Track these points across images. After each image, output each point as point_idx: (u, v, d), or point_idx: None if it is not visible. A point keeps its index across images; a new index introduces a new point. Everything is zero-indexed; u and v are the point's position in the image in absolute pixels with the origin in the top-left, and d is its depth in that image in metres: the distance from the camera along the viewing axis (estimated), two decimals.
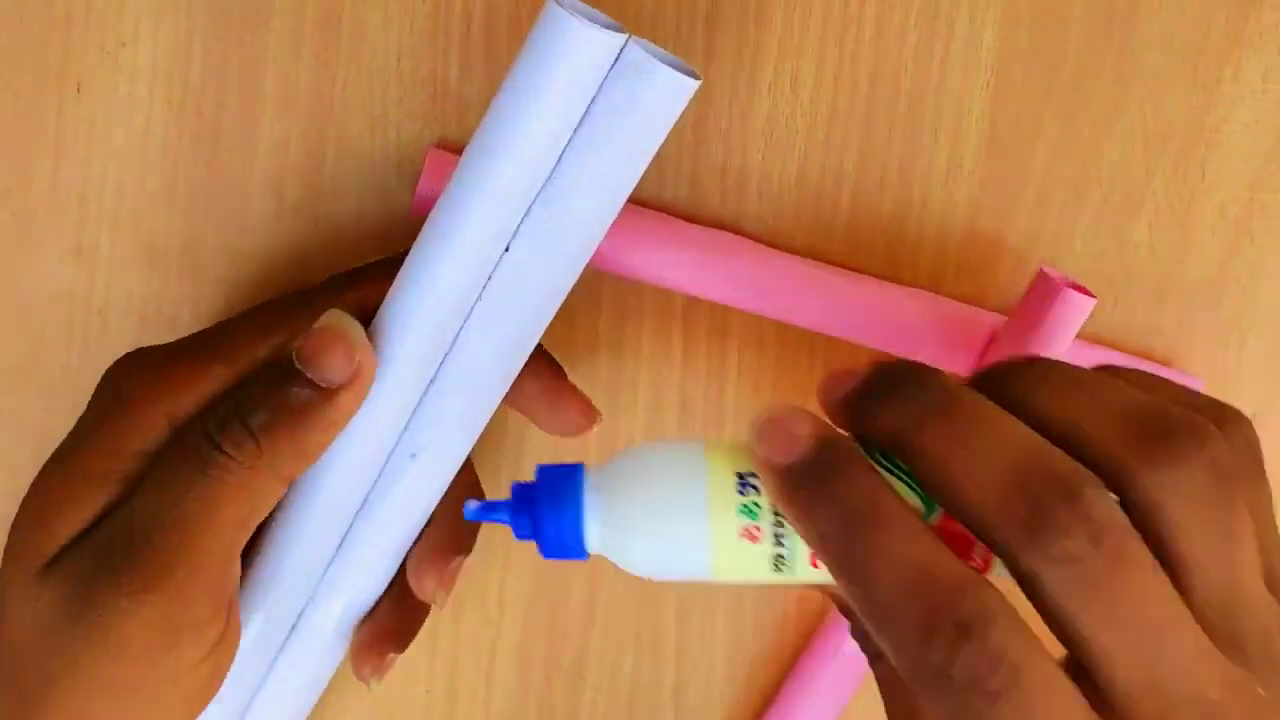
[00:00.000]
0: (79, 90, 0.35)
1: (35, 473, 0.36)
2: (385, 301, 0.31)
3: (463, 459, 0.32)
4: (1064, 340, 0.34)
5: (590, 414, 0.33)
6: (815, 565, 0.26)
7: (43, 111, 0.35)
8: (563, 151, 0.29)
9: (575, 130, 0.29)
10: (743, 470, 0.26)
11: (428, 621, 0.38)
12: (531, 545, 0.31)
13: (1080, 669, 0.23)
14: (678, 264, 0.35)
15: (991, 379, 0.26)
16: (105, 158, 0.36)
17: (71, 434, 0.31)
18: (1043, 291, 0.33)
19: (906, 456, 0.25)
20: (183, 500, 0.28)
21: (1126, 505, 0.24)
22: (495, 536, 0.38)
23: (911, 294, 0.37)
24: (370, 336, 0.30)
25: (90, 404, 0.31)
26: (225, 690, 0.31)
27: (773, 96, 0.36)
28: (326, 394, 0.29)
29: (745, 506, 0.26)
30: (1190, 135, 0.37)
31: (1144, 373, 0.26)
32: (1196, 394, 0.26)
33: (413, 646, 0.38)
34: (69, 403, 0.37)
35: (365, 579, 0.33)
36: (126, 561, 0.28)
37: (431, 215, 0.30)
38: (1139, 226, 0.37)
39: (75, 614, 0.28)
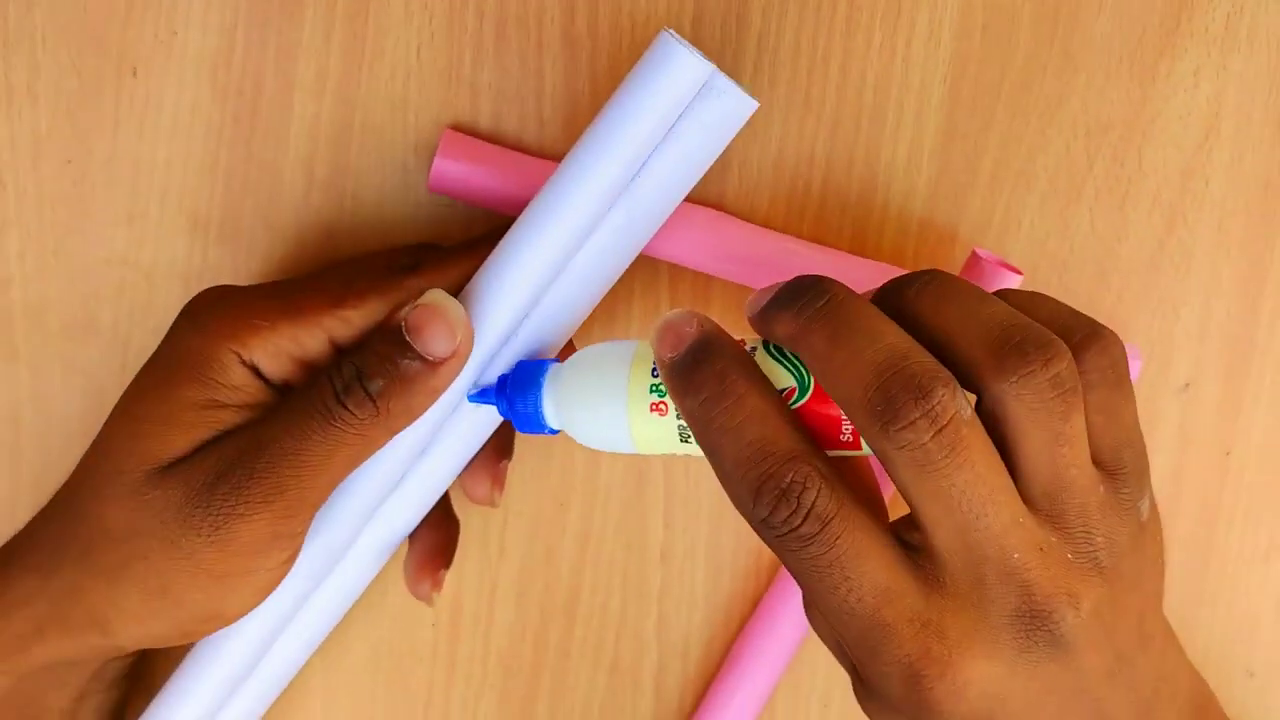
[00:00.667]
0: (135, 73, 0.39)
1: (87, 414, 0.41)
2: (478, 278, 0.35)
3: None
4: None
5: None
6: None
7: (102, 91, 0.39)
8: (649, 157, 0.33)
9: (664, 139, 0.33)
10: None
11: None
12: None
13: (914, 527, 0.28)
14: (666, 237, 0.39)
15: (888, 289, 0.30)
16: (156, 134, 0.40)
17: (162, 358, 0.35)
18: (975, 269, 0.37)
19: (797, 351, 0.29)
20: (308, 441, 0.32)
21: (979, 404, 0.28)
22: None
23: (875, 266, 0.40)
24: (463, 301, 0.34)
25: (173, 333, 0.35)
26: (270, 606, 0.35)
27: (752, 87, 0.40)
28: (432, 365, 0.33)
29: (655, 386, 0.31)
30: (1128, 127, 0.40)
31: (1036, 294, 0.31)
32: (1075, 313, 0.30)
33: None
34: (118, 354, 0.41)
35: (412, 512, 0.37)
36: (249, 477, 0.32)
37: (532, 203, 0.34)
38: (1081, 210, 0.41)
39: (189, 511, 0.32)
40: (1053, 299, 0.30)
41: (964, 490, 0.27)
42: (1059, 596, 0.28)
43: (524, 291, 0.34)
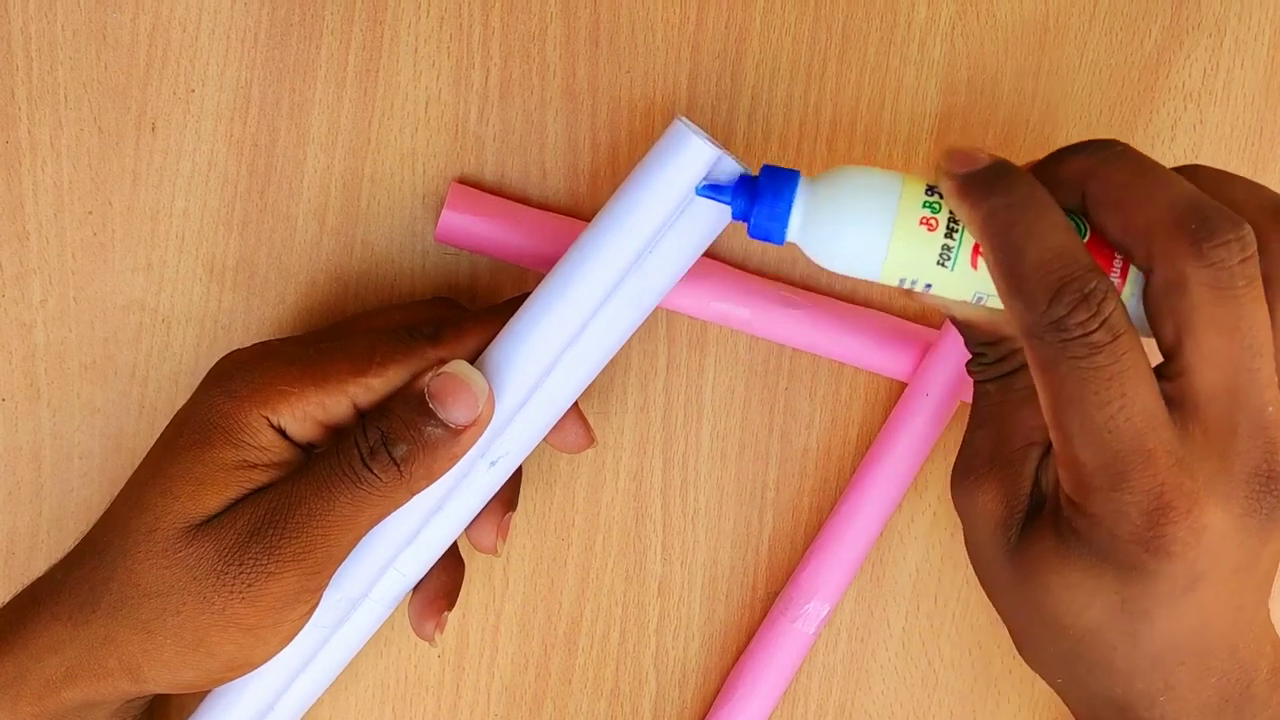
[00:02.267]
0: (154, 129, 0.41)
1: (106, 453, 0.42)
2: (497, 347, 0.36)
3: (528, 453, 0.38)
4: None
5: (588, 438, 0.39)
6: (974, 267, 0.31)
7: (122, 145, 0.41)
8: (662, 233, 0.35)
9: (676, 218, 0.34)
10: (932, 185, 0.32)
11: None
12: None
13: (1166, 378, 0.29)
14: None
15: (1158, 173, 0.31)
16: (174, 186, 0.41)
17: (193, 419, 0.36)
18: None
19: (1089, 187, 0.30)
20: (335, 502, 0.34)
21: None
22: None
23: (865, 313, 0.42)
24: (481, 368, 0.36)
25: (202, 396, 0.36)
26: (289, 653, 0.37)
27: (746, 140, 0.41)
28: (454, 432, 0.34)
29: (929, 203, 0.32)
30: None
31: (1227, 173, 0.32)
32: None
33: None
34: (136, 394, 0.42)
35: (426, 561, 0.38)
36: (280, 536, 0.34)
37: (549, 277, 0.36)
38: None
39: (221, 569, 0.34)
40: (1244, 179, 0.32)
41: (1250, 325, 0.28)
42: None
43: (540, 361, 0.36)
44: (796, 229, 0.33)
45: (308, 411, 0.35)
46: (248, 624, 0.34)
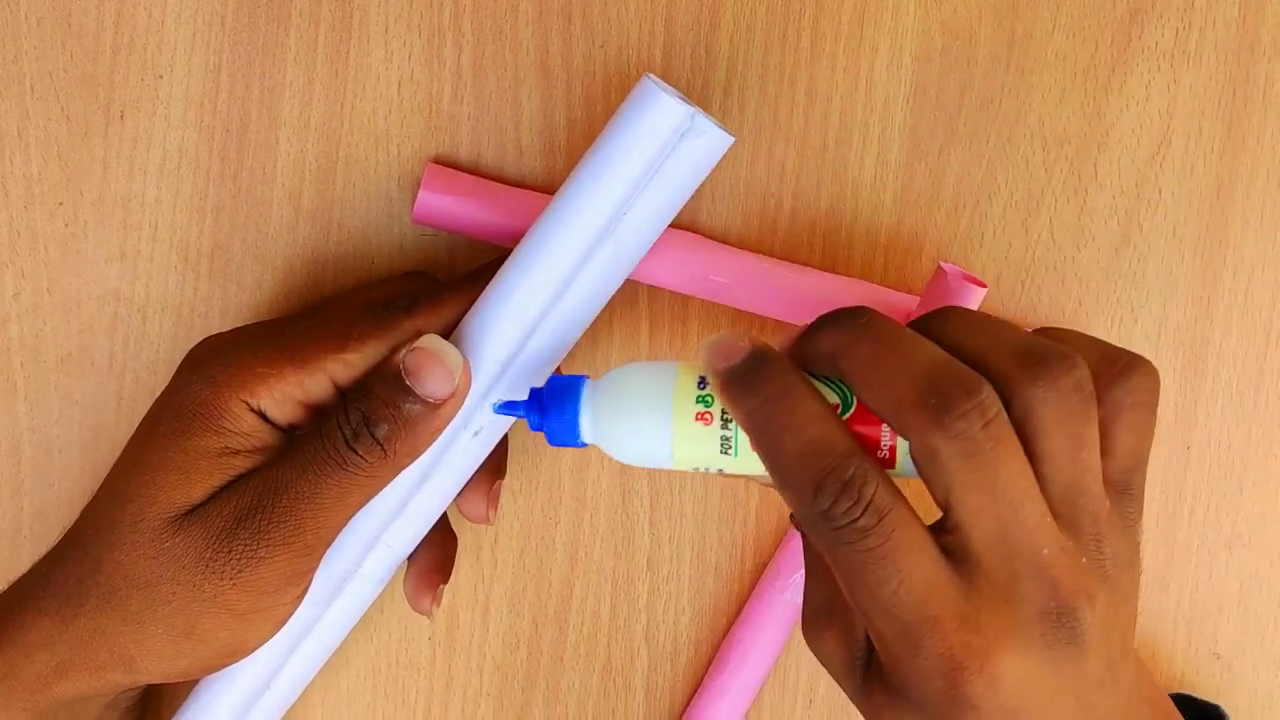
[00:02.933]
0: (123, 116, 0.40)
1: (86, 445, 0.42)
2: (472, 317, 0.36)
3: (510, 423, 0.38)
4: None
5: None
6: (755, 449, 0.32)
7: (91, 134, 0.40)
8: (634, 195, 0.34)
9: (649, 179, 0.34)
10: (704, 377, 0.33)
11: None
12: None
13: (945, 530, 0.30)
14: (643, 261, 0.40)
15: (914, 322, 0.32)
16: (145, 174, 0.41)
17: (172, 408, 0.35)
18: (940, 284, 0.39)
19: (840, 365, 0.31)
20: (322, 485, 0.34)
21: (1008, 411, 0.30)
22: None
23: (846, 282, 0.42)
24: (457, 342, 0.36)
25: (180, 383, 0.36)
26: (283, 633, 0.37)
27: (722, 112, 0.41)
28: (432, 406, 0.34)
29: (701, 398, 0.33)
30: (1084, 140, 0.42)
31: (1071, 331, 0.33)
32: (1110, 346, 0.32)
33: None
34: (114, 385, 0.42)
35: (415, 534, 0.38)
36: (268, 521, 0.34)
37: (522, 243, 0.35)
38: (1041, 220, 0.42)
39: (210, 556, 0.34)
40: (1089, 337, 0.32)
41: (1006, 482, 0.29)
42: (1080, 594, 0.30)
43: (517, 329, 0.35)
44: (589, 433, 0.34)
45: (287, 392, 0.35)
46: (240, 610, 0.34)
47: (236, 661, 0.36)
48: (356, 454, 0.34)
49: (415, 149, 0.41)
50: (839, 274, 0.42)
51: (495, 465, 0.39)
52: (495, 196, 0.40)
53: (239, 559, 0.34)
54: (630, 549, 0.44)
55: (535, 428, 0.35)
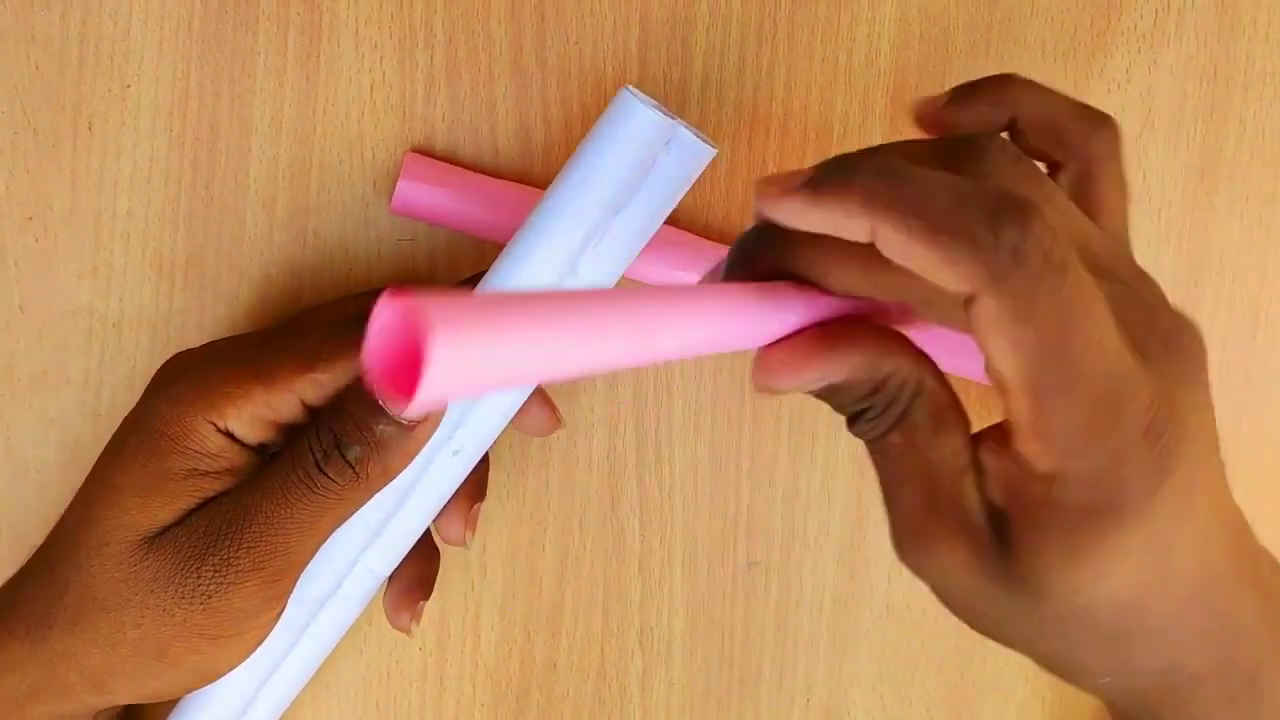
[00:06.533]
0: (90, 128, 0.40)
1: (64, 464, 0.41)
2: None
3: (492, 441, 0.37)
4: None
5: (553, 420, 0.38)
6: None
7: (59, 147, 0.40)
8: (615, 216, 0.34)
9: (630, 197, 0.33)
10: None
11: None
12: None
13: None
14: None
15: (978, 85, 0.31)
16: (116, 186, 0.40)
17: (138, 428, 0.35)
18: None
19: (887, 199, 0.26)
20: (293, 509, 0.33)
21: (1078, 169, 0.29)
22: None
23: None
24: None
25: (147, 403, 0.35)
26: (260, 656, 0.36)
27: (700, 106, 0.41)
28: (406, 428, 0.34)
29: None
30: None
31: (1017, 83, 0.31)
32: (1068, 98, 0.31)
33: None
34: (90, 403, 0.41)
35: (395, 555, 0.37)
36: (238, 546, 0.33)
37: (500, 258, 0.35)
38: None
39: (179, 581, 0.33)
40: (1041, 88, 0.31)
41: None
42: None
43: None
44: None
45: (255, 413, 0.34)
46: (211, 634, 0.34)
47: (209, 684, 0.35)
48: (328, 477, 0.33)
49: (390, 152, 0.40)
50: None
51: (475, 487, 0.38)
52: (475, 185, 0.39)
53: (208, 584, 0.33)
54: (621, 553, 0.43)
55: None
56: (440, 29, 0.40)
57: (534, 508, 0.43)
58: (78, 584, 0.34)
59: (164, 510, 0.34)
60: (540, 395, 0.38)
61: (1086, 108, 0.31)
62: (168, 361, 0.36)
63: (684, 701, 0.44)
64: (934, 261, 0.25)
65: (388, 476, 0.34)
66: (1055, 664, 0.30)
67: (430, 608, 0.43)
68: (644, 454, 0.43)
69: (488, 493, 0.40)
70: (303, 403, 0.35)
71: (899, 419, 0.29)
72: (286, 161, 0.40)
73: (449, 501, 0.37)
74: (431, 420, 0.34)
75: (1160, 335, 0.27)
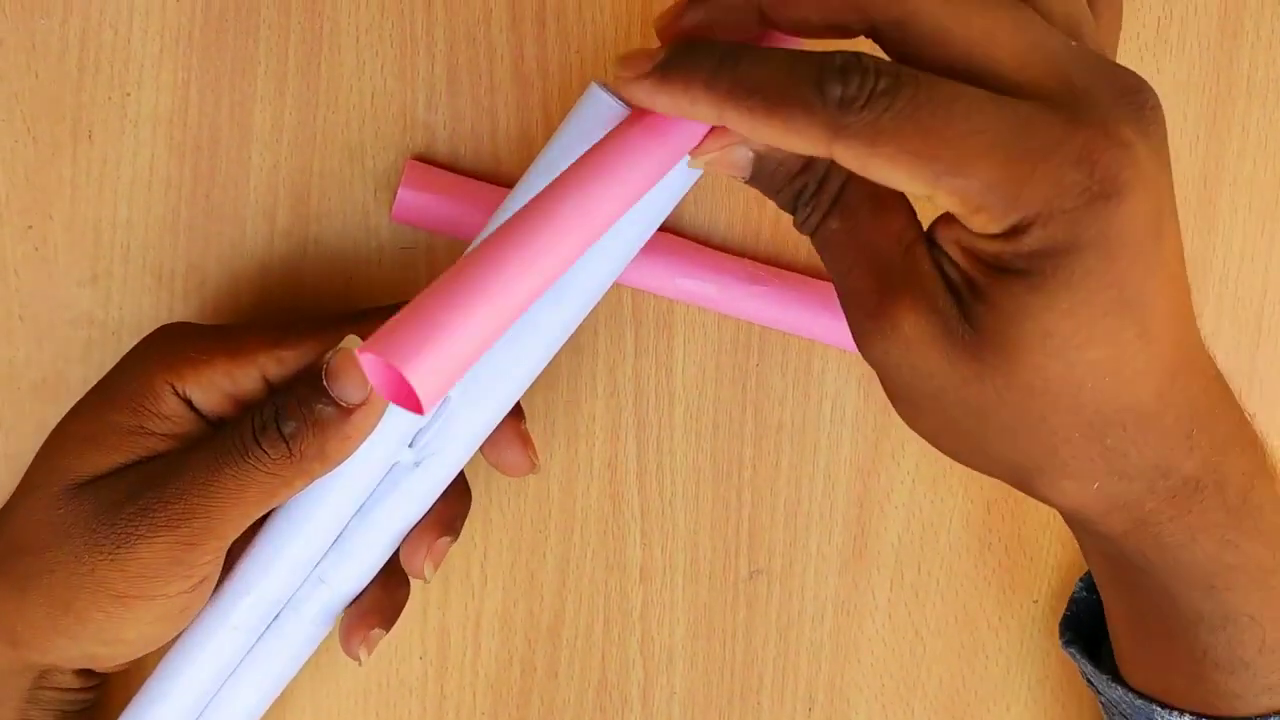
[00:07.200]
0: (90, 136, 0.40)
1: None
2: None
3: (462, 465, 0.36)
4: None
5: (527, 461, 0.37)
6: None
7: (59, 155, 0.40)
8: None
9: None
10: None
11: (420, 597, 0.42)
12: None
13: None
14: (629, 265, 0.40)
15: None
16: (116, 194, 0.40)
17: (103, 384, 0.36)
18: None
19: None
20: (220, 474, 0.33)
21: None
22: (476, 516, 0.42)
23: (830, 288, 0.41)
24: None
25: (121, 361, 0.36)
26: (208, 658, 0.36)
27: None
28: (345, 411, 0.33)
29: None
30: None
31: None
32: None
33: (407, 619, 0.42)
34: None
35: (354, 572, 0.37)
36: (157, 499, 0.33)
37: (463, 261, 0.34)
38: None
39: (95, 527, 0.33)
40: None
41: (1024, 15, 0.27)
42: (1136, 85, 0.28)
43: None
44: None
45: (215, 381, 0.34)
46: (116, 590, 0.33)
47: (122, 657, 0.35)
48: (260, 447, 0.33)
49: (390, 161, 0.40)
50: (825, 279, 0.41)
51: (447, 521, 0.37)
52: (476, 192, 0.39)
53: (120, 533, 0.33)
54: (622, 561, 0.43)
55: None
56: (441, 37, 0.40)
57: (535, 516, 0.43)
58: (8, 525, 0.34)
59: (101, 460, 0.34)
60: (518, 435, 0.37)
61: None
62: (156, 329, 0.37)
63: (685, 710, 0.44)
64: (780, 134, 0.26)
65: (323, 459, 0.33)
66: (1038, 466, 0.29)
67: (431, 616, 0.43)
68: (645, 462, 0.43)
69: (490, 493, 0.39)
70: (265, 380, 0.35)
71: (835, 200, 0.29)
72: (287, 170, 0.40)
73: (415, 529, 0.37)
74: (371, 409, 0.33)
75: (1117, 86, 0.27)
